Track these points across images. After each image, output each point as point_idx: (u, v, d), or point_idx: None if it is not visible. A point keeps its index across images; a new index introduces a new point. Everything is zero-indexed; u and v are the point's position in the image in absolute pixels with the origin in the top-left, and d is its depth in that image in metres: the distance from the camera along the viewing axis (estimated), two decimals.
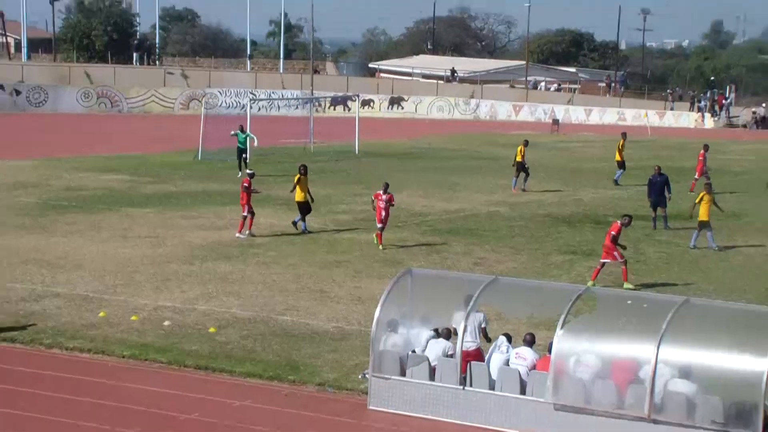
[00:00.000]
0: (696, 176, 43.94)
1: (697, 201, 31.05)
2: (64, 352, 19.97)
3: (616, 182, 46.39)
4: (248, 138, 47.59)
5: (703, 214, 30.55)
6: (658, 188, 34.29)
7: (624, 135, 48.06)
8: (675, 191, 36.00)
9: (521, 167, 43.63)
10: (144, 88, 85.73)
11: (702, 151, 44.88)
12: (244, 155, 46.90)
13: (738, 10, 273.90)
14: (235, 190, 41.73)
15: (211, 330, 21.36)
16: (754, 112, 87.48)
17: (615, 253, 26.24)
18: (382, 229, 30.26)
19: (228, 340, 20.75)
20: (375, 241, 30.28)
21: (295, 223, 32.41)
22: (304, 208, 32.34)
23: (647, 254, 30.07)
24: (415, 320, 18.01)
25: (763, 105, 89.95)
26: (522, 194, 42.32)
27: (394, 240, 31.26)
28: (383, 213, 30.24)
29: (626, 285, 25.69)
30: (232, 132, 47.45)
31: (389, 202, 30.52)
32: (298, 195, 32.17)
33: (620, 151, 46.60)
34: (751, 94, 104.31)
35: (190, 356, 19.59)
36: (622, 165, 46.70)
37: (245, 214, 31.71)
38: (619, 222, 26.72)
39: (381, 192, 30.61)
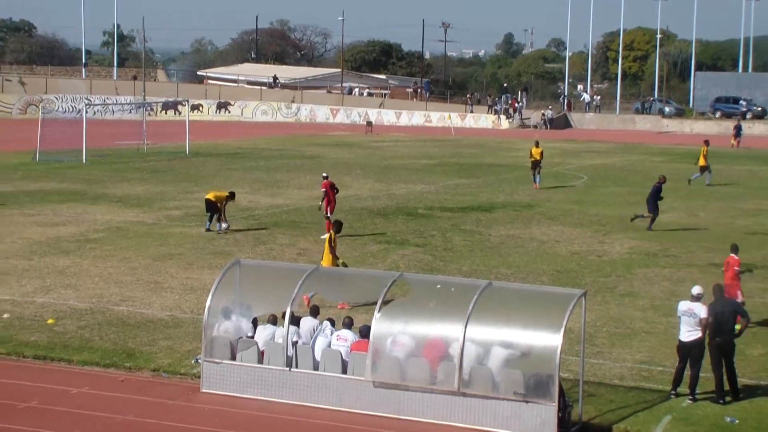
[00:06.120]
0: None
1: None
2: None
3: (689, 181, 46.43)
4: None
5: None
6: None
7: (707, 142, 47.95)
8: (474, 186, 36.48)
9: (536, 165, 44.13)
10: None
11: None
12: None
13: (526, 24, 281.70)
14: (71, 189, 40.45)
15: (50, 321, 20.47)
16: (543, 114, 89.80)
17: (738, 292, 20.69)
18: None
19: (66, 330, 19.91)
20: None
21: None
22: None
23: (454, 242, 30.35)
24: (244, 308, 17.60)
25: (550, 108, 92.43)
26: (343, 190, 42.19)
27: (224, 233, 30.67)
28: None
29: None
30: None
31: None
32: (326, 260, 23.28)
33: (705, 157, 46.58)
34: (539, 98, 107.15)
35: (29, 347, 18.69)
36: (705, 169, 46.67)
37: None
38: (736, 256, 21.15)
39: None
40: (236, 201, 32.80)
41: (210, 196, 31.24)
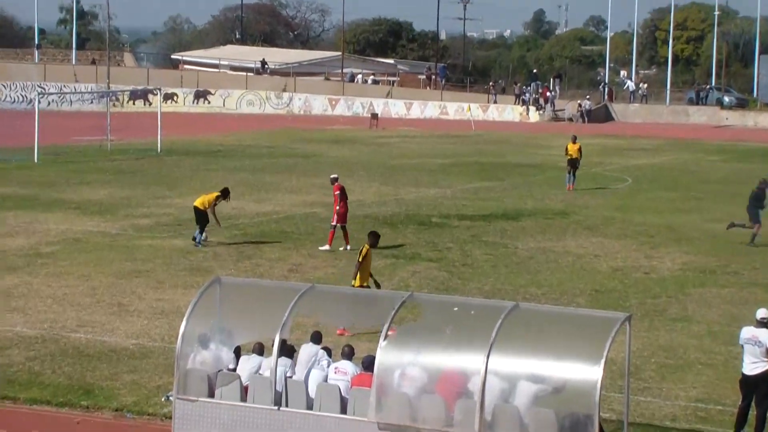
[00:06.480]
0: None
1: None
2: None
3: None
4: None
5: None
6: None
7: None
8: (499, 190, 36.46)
9: (574, 164, 44.96)
10: None
11: None
12: None
13: None
14: (20, 194, 40.43)
15: None
16: (580, 105, 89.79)
17: None
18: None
19: (11, 362, 19.84)
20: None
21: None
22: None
23: (474, 256, 30.26)
24: (224, 335, 17.48)
25: (588, 98, 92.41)
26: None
27: (203, 246, 30.62)
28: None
29: None
30: None
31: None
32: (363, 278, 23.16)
33: None
34: (575, 87, 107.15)
35: None
36: None
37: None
38: None
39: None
40: (217, 208, 32.62)
41: (197, 203, 31.10)
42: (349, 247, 30.45)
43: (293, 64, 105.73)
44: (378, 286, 23.08)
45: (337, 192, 30.89)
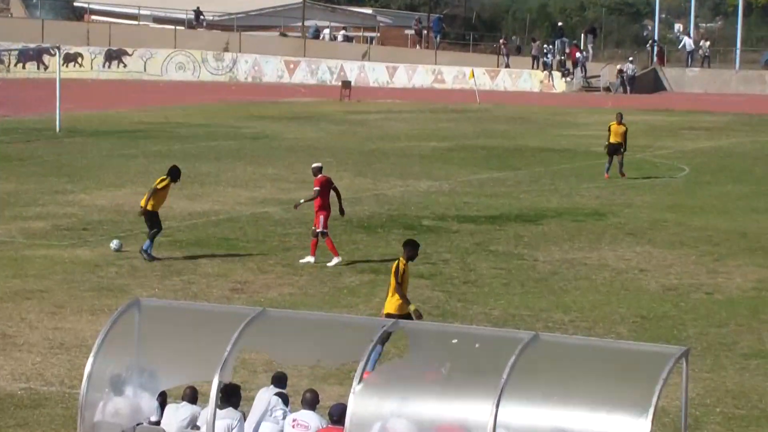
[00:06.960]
0: None
1: None
2: None
3: None
4: None
5: None
6: None
7: None
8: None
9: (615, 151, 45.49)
10: None
11: None
12: None
13: None
14: None
15: None
16: (620, 70, 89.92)
17: None
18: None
19: None
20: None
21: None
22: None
23: (480, 271, 30.28)
24: (145, 376, 17.47)
25: (631, 60, 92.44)
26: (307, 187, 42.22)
27: (111, 257, 30.59)
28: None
29: None
30: None
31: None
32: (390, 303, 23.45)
33: None
34: (614, 45, 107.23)
35: None
36: None
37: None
38: None
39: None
40: (134, 207, 32.64)
41: (144, 201, 30.91)
42: (313, 259, 30.50)
43: (238, 14, 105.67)
44: (418, 314, 22.91)
45: (317, 188, 30.78)
